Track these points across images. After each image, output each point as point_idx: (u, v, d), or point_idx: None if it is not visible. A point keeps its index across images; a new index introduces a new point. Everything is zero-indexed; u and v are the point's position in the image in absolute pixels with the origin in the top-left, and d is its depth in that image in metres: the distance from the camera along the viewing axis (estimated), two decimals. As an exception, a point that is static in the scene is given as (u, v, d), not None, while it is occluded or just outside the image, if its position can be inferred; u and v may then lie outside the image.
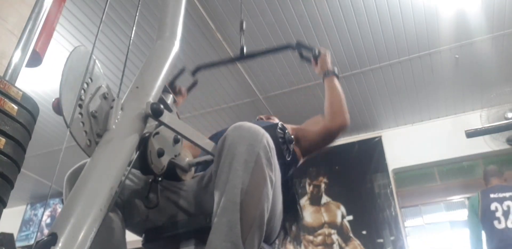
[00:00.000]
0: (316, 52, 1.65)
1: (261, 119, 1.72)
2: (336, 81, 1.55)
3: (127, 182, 1.07)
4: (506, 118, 3.37)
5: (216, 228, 0.82)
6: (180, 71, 1.68)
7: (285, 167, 1.24)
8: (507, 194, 2.80)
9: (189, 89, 1.78)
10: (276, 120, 1.71)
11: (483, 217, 2.80)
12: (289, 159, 1.24)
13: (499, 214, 2.73)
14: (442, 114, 3.92)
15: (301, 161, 1.48)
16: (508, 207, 2.75)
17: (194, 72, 1.87)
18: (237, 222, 0.81)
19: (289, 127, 1.52)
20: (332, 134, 1.44)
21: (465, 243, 2.96)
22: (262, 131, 0.93)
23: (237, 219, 0.81)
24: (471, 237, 2.91)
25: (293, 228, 1.31)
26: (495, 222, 2.73)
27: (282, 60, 3.27)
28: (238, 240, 0.80)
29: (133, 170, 1.08)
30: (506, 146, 3.47)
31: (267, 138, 0.93)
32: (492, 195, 2.83)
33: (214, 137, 1.48)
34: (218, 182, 0.89)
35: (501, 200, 2.78)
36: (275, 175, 0.94)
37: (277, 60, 3.27)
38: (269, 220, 0.91)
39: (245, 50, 1.80)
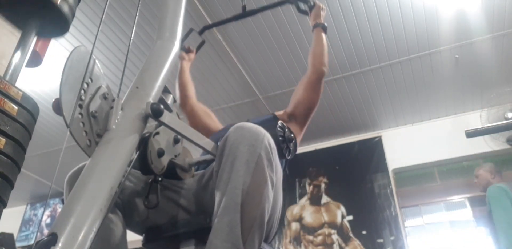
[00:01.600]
0: (312, 3, 1.77)
1: None
2: (322, 34, 1.67)
3: (127, 182, 1.07)
4: (506, 118, 3.37)
5: (216, 228, 0.82)
6: (189, 31, 1.92)
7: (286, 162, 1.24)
8: None
9: (198, 48, 2.03)
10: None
11: None
12: (289, 157, 1.24)
13: None
14: (442, 114, 3.92)
15: (299, 138, 1.52)
16: None
17: (201, 32, 2.09)
18: (238, 222, 0.81)
19: (280, 112, 1.57)
20: (314, 82, 1.56)
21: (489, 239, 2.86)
22: (263, 131, 0.93)
23: (238, 219, 0.81)
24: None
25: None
26: None
27: (282, 60, 3.28)
28: (239, 241, 0.80)
29: (132, 171, 1.08)
30: (506, 146, 3.47)
31: (268, 138, 0.93)
32: None
33: (215, 135, 1.48)
34: (219, 182, 0.89)
35: None
36: (276, 175, 0.94)
37: (277, 60, 3.27)
38: (268, 219, 0.91)
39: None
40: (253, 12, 2.01)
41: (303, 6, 1.85)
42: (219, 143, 0.95)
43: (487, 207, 2.81)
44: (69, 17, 0.82)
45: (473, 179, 3.12)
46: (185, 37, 1.87)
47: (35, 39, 0.82)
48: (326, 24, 1.71)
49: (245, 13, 1.99)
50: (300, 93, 1.57)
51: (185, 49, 1.95)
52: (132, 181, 1.09)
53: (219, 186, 0.88)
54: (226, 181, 0.86)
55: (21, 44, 0.77)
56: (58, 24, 0.82)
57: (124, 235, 1.02)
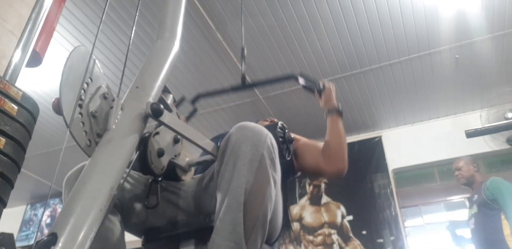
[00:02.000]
0: (320, 85, 1.55)
1: (265, 121, 1.69)
2: (339, 121, 1.44)
3: (125, 183, 1.07)
4: (506, 118, 3.37)
5: (219, 227, 0.82)
6: (180, 100, 1.63)
7: (283, 169, 1.24)
8: None
9: (189, 117, 1.75)
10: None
11: None
12: (288, 158, 1.24)
13: None
14: (442, 114, 3.92)
15: (298, 174, 1.45)
16: None
17: (193, 101, 1.84)
18: (241, 221, 0.81)
19: (298, 137, 1.51)
20: (326, 176, 1.38)
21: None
22: (266, 131, 0.94)
23: (241, 218, 0.81)
24: None
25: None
26: None
27: (282, 60, 3.27)
28: (241, 240, 0.80)
29: (131, 172, 1.08)
30: (506, 146, 3.47)
31: (270, 138, 0.93)
32: None
33: (217, 139, 1.48)
34: (221, 181, 0.89)
35: None
36: (278, 175, 0.94)
37: (277, 60, 3.27)
38: (271, 220, 0.91)
39: (247, 79, 1.74)
40: (253, 85, 1.81)
41: (309, 85, 1.63)
42: (221, 143, 0.95)
43: (483, 198, 2.69)
44: None
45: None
46: (176, 105, 1.61)
47: (35, 39, 0.82)
48: (340, 106, 1.48)
49: (244, 86, 1.78)
50: (308, 165, 1.39)
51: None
52: (131, 183, 1.08)
53: (221, 185, 0.88)
54: (229, 180, 0.86)
55: (21, 44, 0.77)
56: None
57: (122, 236, 1.02)
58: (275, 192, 0.93)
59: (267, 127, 1.00)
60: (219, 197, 0.88)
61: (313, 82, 1.58)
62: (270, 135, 0.94)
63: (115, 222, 1.01)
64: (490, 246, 2.50)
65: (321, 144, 1.42)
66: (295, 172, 1.41)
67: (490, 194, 2.67)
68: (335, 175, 1.33)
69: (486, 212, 2.65)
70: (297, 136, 1.51)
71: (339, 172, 1.32)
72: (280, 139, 1.14)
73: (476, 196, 2.77)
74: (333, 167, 1.33)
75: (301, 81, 1.61)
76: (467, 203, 3.50)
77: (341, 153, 1.34)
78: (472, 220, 2.73)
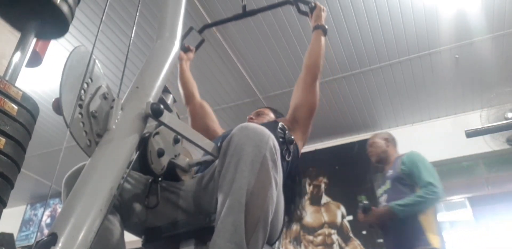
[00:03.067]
0: (312, 5, 1.76)
1: (251, 119, 1.71)
2: (321, 37, 1.66)
3: (125, 184, 1.07)
4: (506, 118, 3.37)
5: (220, 228, 0.82)
6: (188, 30, 1.91)
7: (287, 164, 1.24)
8: None
9: (197, 46, 2.03)
10: (269, 115, 1.71)
11: None
12: (289, 159, 1.24)
13: None
14: (442, 114, 3.92)
15: (303, 144, 1.52)
16: None
17: (201, 31, 2.08)
18: (242, 222, 0.81)
19: (283, 120, 1.55)
20: (309, 84, 1.55)
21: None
22: (268, 132, 0.94)
23: (242, 219, 0.81)
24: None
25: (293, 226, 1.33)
26: None
27: (282, 60, 3.27)
28: (242, 241, 0.79)
29: (131, 172, 1.08)
30: (506, 146, 3.46)
31: (273, 139, 0.93)
32: None
33: (218, 139, 1.48)
34: (222, 182, 0.89)
35: None
36: (279, 177, 0.94)
37: (277, 60, 3.27)
38: (271, 221, 0.91)
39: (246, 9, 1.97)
40: (253, 12, 2.01)
41: (303, 7, 1.85)
42: (223, 143, 0.95)
43: (398, 173, 2.54)
44: (69, 18, 0.81)
45: (473, 179, 3.00)
46: (184, 36, 1.86)
47: (35, 39, 0.82)
48: (326, 26, 1.71)
49: (245, 13, 1.99)
50: (298, 96, 1.56)
51: (184, 48, 1.94)
52: (130, 183, 1.08)
53: (223, 186, 0.88)
54: (231, 181, 0.86)
55: (21, 44, 0.77)
56: (57, 24, 0.82)
57: (122, 236, 1.02)
58: (276, 194, 0.92)
59: (267, 127, 1.00)
60: (220, 197, 0.87)
61: (307, 3, 1.80)
62: (272, 136, 0.94)
63: (115, 222, 1.01)
64: (402, 221, 2.41)
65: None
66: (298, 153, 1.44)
67: (406, 169, 2.54)
68: (313, 74, 1.55)
69: (400, 188, 2.51)
70: (282, 118, 1.63)
71: (313, 75, 1.55)
72: (281, 140, 1.14)
73: (390, 171, 2.63)
74: (311, 68, 1.56)
75: (295, 4, 1.86)
76: (467, 203, 3.51)
77: (318, 61, 1.58)
78: (384, 197, 2.59)
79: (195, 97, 1.84)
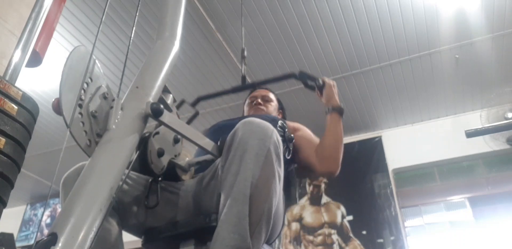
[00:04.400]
0: (320, 82, 1.55)
1: (259, 104, 1.68)
2: (338, 120, 1.44)
3: (124, 184, 1.07)
4: (506, 118, 3.37)
5: (224, 219, 0.82)
6: (180, 103, 1.62)
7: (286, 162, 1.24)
8: None
9: (190, 120, 1.75)
10: (274, 101, 1.69)
11: None
12: (288, 157, 1.24)
13: None
14: (442, 114, 3.92)
15: (294, 165, 1.45)
16: None
17: (194, 104, 1.84)
18: (246, 214, 0.81)
19: (290, 125, 1.52)
20: (317, 175, 1.38)
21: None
22: (272, 127, 0.94)
23: (246, 211, 0.81)
24: None
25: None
26: None
27: (282, 60, 3.27)
28: (246, 233, 0.79)
29: (130, 173, 1.07)
30: (506, 146, 3.46)
31: (276, 134, 0.94)
32: None
33: (215, 136, 1.47)
34: (227, 174, 0.89)
35: None
36: (282, 171, 0.94)
37: (277, 60, 3.27)
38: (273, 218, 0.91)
39: (247, 79, 1.78)
40: (253, 85, 1.84)
41: (310, 82, 1.64)
42: (227, 138, 0.96)
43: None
44: None
45: (473, 179, 3.02)
46: (177, 108, 1.61)
47: (35, 39, 0.82)
48: (343, 106, 1.49)
49: (244, 86, 1.82)
50: (302, 160, 1.39)
51: None
52: (129, 183, 1.08)
53: (227, 178, 0.88)
54: (235, 173, 0.86)
55: (21, 44, 0.77)
56: None
57: (120, 235, 1.02)
58: (279, 188, 0.93)
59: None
60: (224, 190, 0.87)
61: (314, 79, 1.57)
62: (275, 131, 0.94)
63: (113, 222, 1.01)
64: None
65: (317, 140, 1.42)
66: (293, 161, 1.40)
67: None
68: (325, 175, 1.35)
69: None
70: (298, 125, 1.51)
71: (330, 173, 1.33)
72: (280, 138, 1.14)
73: None
74: (324, 167, 1.33)
75: (302, 79, 1.61)
76: (467, 203, 3.51)
77: (335, 155, 1.34)
78: None
79: None
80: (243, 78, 1.76)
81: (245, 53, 1.84)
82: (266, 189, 0.86)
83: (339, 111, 1.45)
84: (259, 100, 1.69)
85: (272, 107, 1.70)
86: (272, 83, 1.83)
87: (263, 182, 0.86)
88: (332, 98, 1.48)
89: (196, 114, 1.78)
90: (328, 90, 1.50)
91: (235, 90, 1.84)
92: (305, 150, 1.39)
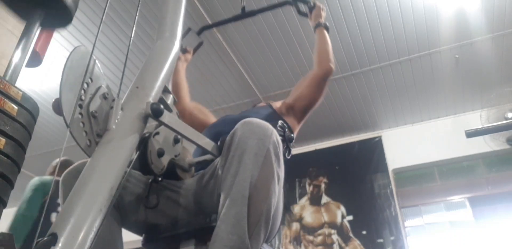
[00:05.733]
0: (312, 4, 1.79)
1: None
2: (325, 33, 1.69)
3: (125, 183, 1.07)
4: (506, 118, 3.37)
5: (222, 220, 0.82)
6: (186, 31, 1.86)
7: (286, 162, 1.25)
8: None
9: (195, 49, 2.00)
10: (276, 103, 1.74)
11: None
12: (288, 157, 1.24)
13: None
14: (442, 114, 3.92)
15: (296, 132, 1.53)
16: None
17: (199, 33, 2.06)
18: (245, 215, 0.81)
19: (278, 103, 1.58)
20: (321, 79, 1.55)
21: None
22: (271, 127, 0.94)
23: (245, 212, 0.81)
24: None
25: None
26: None
27: (282, 60, 3.27)
28: (244, 234, 0.79)
29: (131, 172, 1.07)
30: (506, 146, 3.47)
31: (276, 134, 0.94)
32: None
33: (210, 129, 1.47)
34: (226, 175, 0.89)
35: None
36: (281, 172, 0.94)
37: (277, 60, 3.27)
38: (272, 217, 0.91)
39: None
40: (253, 13, 2.01)
41: (303, 7, 1.86)
42: (226, 138, 0.95)
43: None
44: (73, 8, 0.82)
45: (473, 179, 3.02)
46: (182, 37, 1.81)
47: (35, 39, 0.82)
48: (327, 23, 1.73)
49: (244, 14, 1.99)
50: (304, 87, 1.57)
51: (182, 49, 1.90)
52: (130, 182, 1.08)
53: (226, 179, 0.88)
54: (234, 174, 0.86)
55: (21, 43, 0.77)
56: (61, 14, 0.82)
57: (120, 235, 1.02)
58: (278, 189, 0.93)
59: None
60: (223, 191, 0.87)
61: (306, 2, 1.82)
62: (275, 131, 0.94)
63: (113, 221, 1.01)
64: None
65: (302, 78, 1.67)
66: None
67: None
68: (327, 72, 1.55)
69: None
70: (278, 102, 1.67)
71: (327, 71, 1.56)
72: (280, 138, 1.14)
73: None
74: (323, 67, 1.56)
75: (295, 5, 1.88)
76: (467, 203, 3.51)
77: (329, 56, 1.59)
78: None
79: (184, 100, 1.80)
80: (243, 8, 1.99)
81: None
82: (265, 189, 0.86)
83: (325, 26, 1.72)
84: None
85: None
86: (268, 11, 2.10)
87: (262, 183, 0.86)
88: (319, 17, 1.75)
89: (200, 43, 2.02)
90: (317, 10, 1.77)
91: (236, 18, 2.05)
92: (301, 82, 1.61)
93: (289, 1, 1.92)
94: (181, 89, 1.82)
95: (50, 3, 0.79)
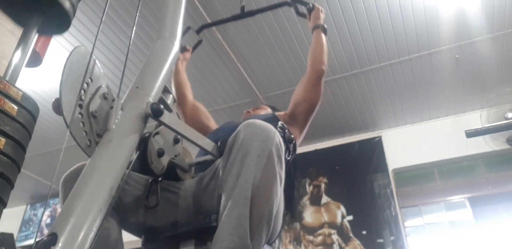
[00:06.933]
0: (311, 5, 1.80)
1: (248, 112, 1.75)
2: (322, 35, 1.72)
3: (125, 184, 1.07)
4: (506, 118, 3.37)
5: (224, 221, 0.82)
6: (186, 29, 1.87)
7: (287, 163, 1.25)
8: None
9: (194, 47, 2.04)
10: (267, 110, 1.75)
11: None
12: (289, 158, 1.24)
13: None
14: (442, 114, 3.92)
15: (299, 141, 1.52)
16: None
17: (198, 31, 2.07)
18: (247, 216, 0.81)
19: (281, 113, 1.58)
20: (314, 82, 1.58)
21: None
22: (274, 129, 0.94)
23: (247, 213, 0.81)
24: None
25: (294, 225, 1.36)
26: None
27: (282, 60, 3.27)
28: (246, 235, 0.79)
29: (130, 173, 1.07)
30: (506, 146, 3.46)
31: (278, 136, 0.94)
32: None
33: (212, 135, 1.48)
34: (228, 176, 0.89)
35: None
36: (283, 173, 0.94)
37: (277, 60, 3.27)
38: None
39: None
40: (252, 13, 2.03)
41: (301, 8, 1.87)
42: (229, 139, 0.95)
43: None
44: (71, 14, 0.82)
45: (473, 179, 3.03)
46: (181, 35, 1.84)
47: (35, 39, 0.82)
48: (326, 26, 1.74)
49: (243, 14, 2.00)
50: (300, 93, 1.57)
51: (181, 47, 1.92)
52: (130, 183, 1.08)
53: (228, 180, 0.88)
54: (236, 175, 0.86)
55: (21, 44, 0.77)
56: (59, 20, 0.82)
57: (120, 235, 1.02)
58: (280, 190, 0.93)
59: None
60: (225, 192, 0.87)
61: (305, 4, 1.84)
62: (278, 133, 0.94)
63: (113, 222, 1.00)
64: None
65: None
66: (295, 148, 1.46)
67: None
68: (319, 74, 1.58)
69: None
70: (282, 112, 1.67)
71: (320, 71, 1.59)
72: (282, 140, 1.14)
73: None
74: (315, 69, 1.59)
75: (294, 6, 1.89)
76: (467, 203, 3.51)
77: (322, 59, 1.63)
78: None
79: (187, 98, 1.83)
80: (242, 8, 1.99)
81: None
82: (267, 191, 0.86)
83: (322, 28, 1.74)
84: (249, 110, 1.83)
85: (263, 112, 1.75)
86: (268, 10, 2.12)
87: (264, 184, 0.86)
88: (318, 18, 1.76)
89: (199, 42, 2.04)
90: (316, 12, 1.78)
91: (235, 18, 2.05)
92: (297, 88, 1.63)
93: (288, 2, 1.92)
94: (184, 88, 1.84)
95: (48, 9, 0.79)
